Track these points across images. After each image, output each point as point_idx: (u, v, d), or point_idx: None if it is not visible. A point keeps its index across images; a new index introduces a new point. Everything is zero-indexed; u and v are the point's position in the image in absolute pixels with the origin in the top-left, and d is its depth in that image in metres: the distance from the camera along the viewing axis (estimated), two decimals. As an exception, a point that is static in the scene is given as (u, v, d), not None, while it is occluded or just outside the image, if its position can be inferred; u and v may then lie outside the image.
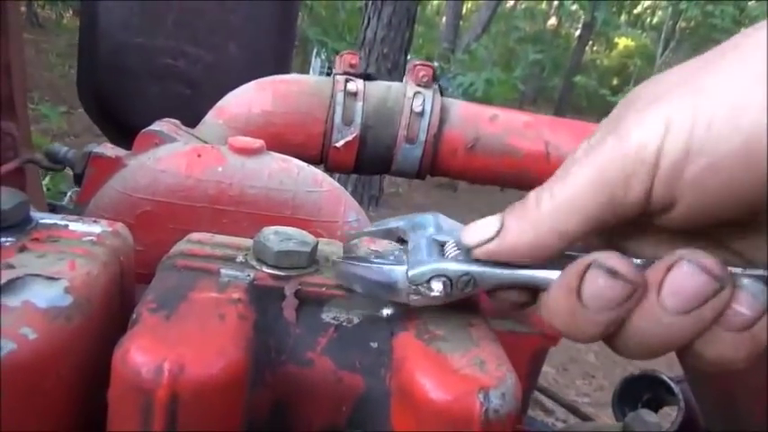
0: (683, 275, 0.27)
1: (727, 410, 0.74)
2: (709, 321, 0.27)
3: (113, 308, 0.33)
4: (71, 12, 8.02)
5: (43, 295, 0.28)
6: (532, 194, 0.30)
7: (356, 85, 0.62)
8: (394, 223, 0.35)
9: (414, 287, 0.30)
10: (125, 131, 0.86)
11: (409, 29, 4.53)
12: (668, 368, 0.86)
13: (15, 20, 0.73)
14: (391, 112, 0.62)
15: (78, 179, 0.53)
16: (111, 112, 0.87)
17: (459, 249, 0.31)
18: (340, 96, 0.62)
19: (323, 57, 6.28)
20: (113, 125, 0.88)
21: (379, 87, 0.64)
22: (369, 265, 0.32)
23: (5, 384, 0.25)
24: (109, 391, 0.27)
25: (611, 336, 0.29)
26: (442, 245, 0.32)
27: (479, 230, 0.30)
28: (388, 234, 0.35)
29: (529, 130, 0.64)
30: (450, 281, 0.30)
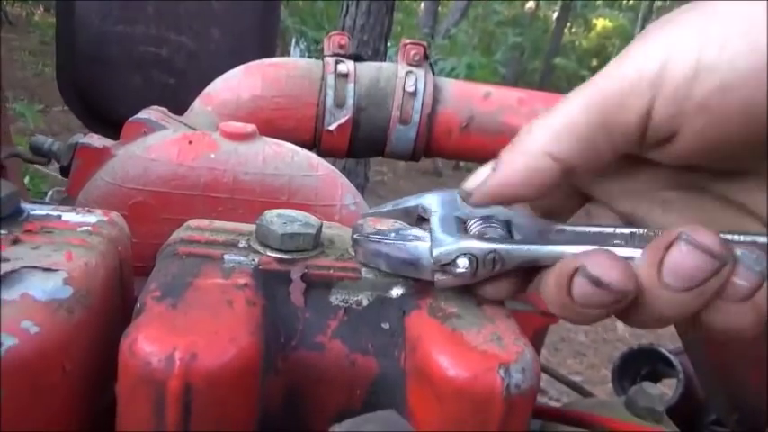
0: (682, 255, 0.26)
1: (725, 380, 0.75)
2: (711, 296, 0.26)
3: (114, 299, 0.32)
4: (42, 9, 7.84)
5: (42, 287, 0.26)
6: (526, 125, 0.29)
7: (347, 66, 0.61)
8: (413, 201, 0.34)
9: (439, 266, 0.30)
10: (109, 124, 0.83)
11: (388, 15, 4.48)
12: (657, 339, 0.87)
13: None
14: (383, 93, 0.61)
15: (65, 171, 0.51)
16: (93, 104, 0.85)
17: (483, 225, 0.31)
18: (331, 78, 0.60)
19: (302, 46, 6.21)
20: (96, 118, 0.86)
21: (371, 68, 0.62)
22: (393, 241, 0.31)
23: (8, 382, 0.23)
24: (117, 383, 0.26)
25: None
26: (464, 222, 0.31)
27: (477, 176, 0.30)
28: (407, 213, 0.34)
29: (523, 107, 0.63)
30: (476, 259, 0.29)
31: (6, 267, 0.27)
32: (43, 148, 0.53)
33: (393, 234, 0.32)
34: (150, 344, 0.24)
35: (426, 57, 0.63)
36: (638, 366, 0.83)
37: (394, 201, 0.35)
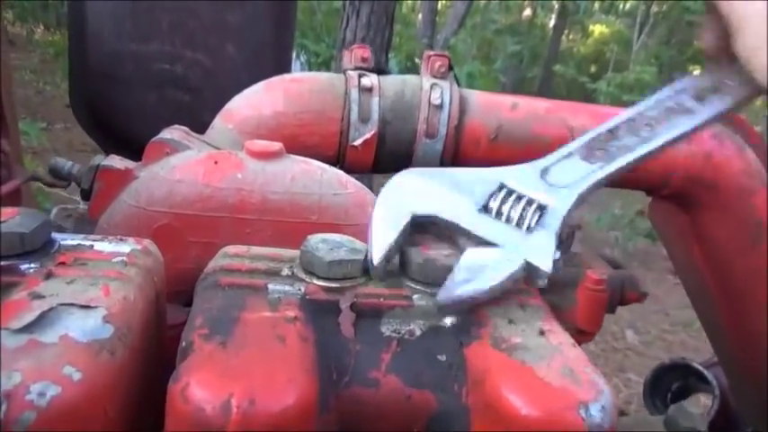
0: None
1: (760, 388, 0.72)
2: None
3: (152, 333, 0.30)
4: (42, 27, 7.88)
5: (81, 327, 0.24)
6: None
7: (371, 79, 0.59)
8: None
9: None
10: (123, 143, 0.82)
11: (388, 27, 4.49)
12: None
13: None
14: (409, 106, 0.59)
15: (86, 194, 0.49)
16: (107, 123, 0.83)
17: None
18: (354, 93, 0.58)
19: (302, 60, 6.21)
20: (110, 137, 0.84)
21: (395, 81, 0.61)
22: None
23: (51, 434, 0.21)
24: (165, 429, 0.24)
25: None
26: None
27: None
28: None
29: (551, 116, 0.61)
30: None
31: (42, 306, 0.25)
32: (63, 171, 0.52)
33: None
34: (204, 389, 0.22)
35: (451, 68, 0.61)
36: (669, 382, 0.81)
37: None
